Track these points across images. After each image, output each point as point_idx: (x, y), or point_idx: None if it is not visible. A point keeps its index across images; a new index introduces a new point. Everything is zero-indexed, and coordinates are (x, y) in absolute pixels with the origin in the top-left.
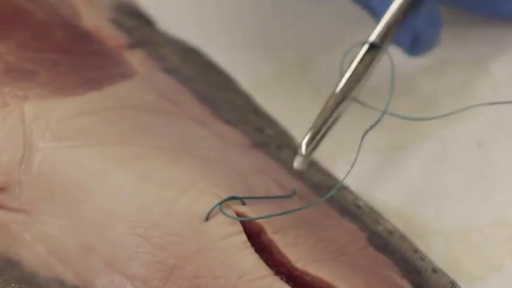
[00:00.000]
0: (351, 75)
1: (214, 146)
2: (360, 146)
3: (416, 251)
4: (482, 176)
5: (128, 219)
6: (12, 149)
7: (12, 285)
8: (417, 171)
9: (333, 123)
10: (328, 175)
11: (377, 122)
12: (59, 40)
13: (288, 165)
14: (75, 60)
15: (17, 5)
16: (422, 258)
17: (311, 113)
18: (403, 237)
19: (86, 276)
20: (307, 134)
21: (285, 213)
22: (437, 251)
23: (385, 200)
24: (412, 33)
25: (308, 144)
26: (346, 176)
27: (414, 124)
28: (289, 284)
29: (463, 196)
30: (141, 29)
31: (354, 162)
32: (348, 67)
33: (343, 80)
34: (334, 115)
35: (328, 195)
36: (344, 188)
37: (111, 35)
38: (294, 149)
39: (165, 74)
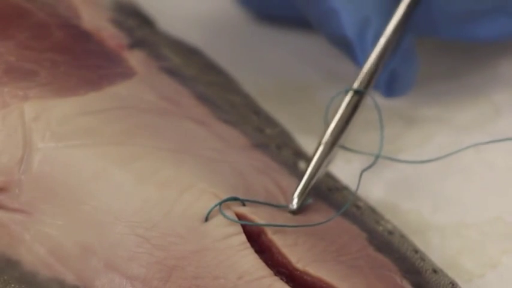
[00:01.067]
0: (336, 124)
1: (214, 146)
2: (358, 185)
3: (416, 251)
4: (480, 178)
5: (128, 219)
6: (12, 149)
7: (12, 285)
8: (414, 171)
9: (321, 172)
10: (329, 176)
11: (372, 165)
12: (59, 40)
13: (287, 165)
14: (75, 60)
15: (17, 5)
16: (423, 258)
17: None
18: (403, 237)
19: (85, 276)
20: (298, 186)
21: (287, 226)
22: (434, 247)
23: (381, 196)
24: (388, 74)
25: (300, 196)
26: (357, 190)
27: (412, 127)
28: (289, 285)
29: (459, 194)
30: (141, 29)
31: (355, 191)
32: (333, 115)
33: (330, 130)
34: (324, 165)
35: (342, 210)
36: (344, 189)
37: (111, 35)
38: (294, 150)
39: (165, 74)
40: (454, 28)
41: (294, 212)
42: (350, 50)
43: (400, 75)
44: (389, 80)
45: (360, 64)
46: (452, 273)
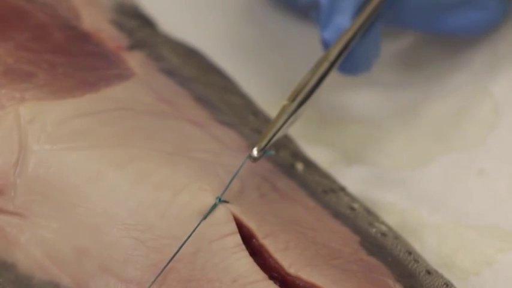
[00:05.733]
0: (307, 84)
1: (211, 148)
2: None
3: (410, 252)
4: (481, 194)
5: (123, 221)
6: (8, 151)
7: None
8: (411, 172)
9: (285, 130)
10: (325, 177)
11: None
12: (58, 42)
13: (284, 167)
14: (73, 61)
15: (16, 6)
16: (416, 260)
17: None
18: (397, 238)
19: (80, 279)
20: (261, 138)
21: None
22: (430, 246)
23: (379, 196)
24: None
25: (259, 150)
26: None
27: (416, 148)
28: None
29: (457, 198)
30: (141, 30)
31: None
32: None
33: (298, 88)
34: (288, 123)
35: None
36: (340, 189)
37: (111, 36)
38: (292, 151)
39: (164, 75)
40: (422, 20)
41: (255, 160)
42: (317, 14)
43: (355, 54)
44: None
45: (321, 29)
46: (447, 272)
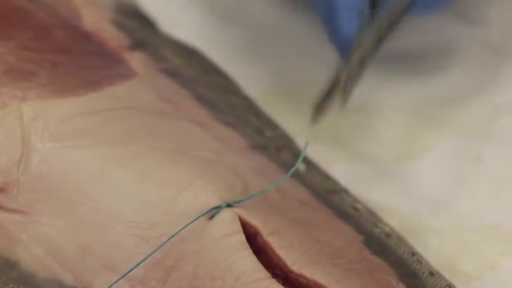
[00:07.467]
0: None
1: (213, 147)
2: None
3: (413, 253)
4: (481, 186)
5: (127, 219)
6: (11, 149)
7: (10, 286)
8: (415, 175)
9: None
10: (326, 177)
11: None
12: (59, 41)
13: (286, 167)
14: (75, 61)
15: (18, 6)
16: (420, 260)
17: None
18: (400, 239)
19: (84, 277)
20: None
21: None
22: (432, 249)
23: (381, 198)
24: None
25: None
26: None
27: (413, 136)
28: (285, 287)
29: (459, 198)
30: (142, 30)
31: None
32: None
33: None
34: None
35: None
36: (343, 191)
37: (112, 36)
38: (294, 152)
39: (165, 75)
40: None
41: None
42: (332, 15)
43: None
44: None
45: (339, 31)
46: (450, 275)
